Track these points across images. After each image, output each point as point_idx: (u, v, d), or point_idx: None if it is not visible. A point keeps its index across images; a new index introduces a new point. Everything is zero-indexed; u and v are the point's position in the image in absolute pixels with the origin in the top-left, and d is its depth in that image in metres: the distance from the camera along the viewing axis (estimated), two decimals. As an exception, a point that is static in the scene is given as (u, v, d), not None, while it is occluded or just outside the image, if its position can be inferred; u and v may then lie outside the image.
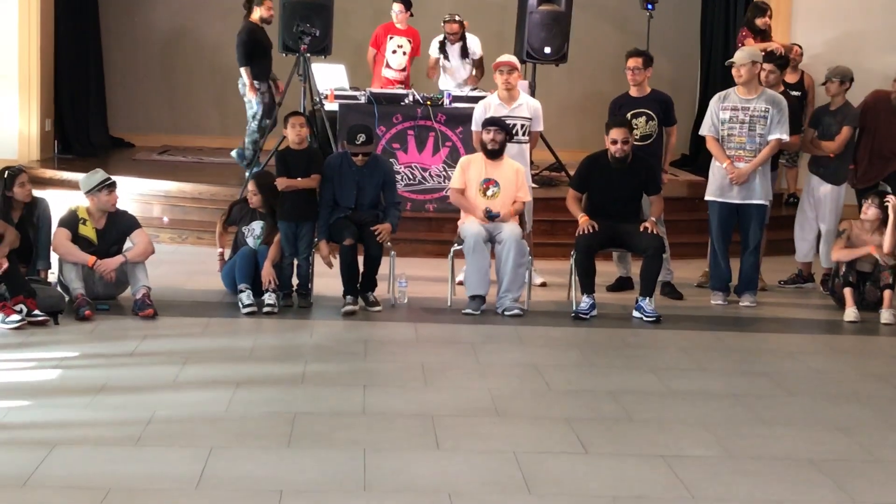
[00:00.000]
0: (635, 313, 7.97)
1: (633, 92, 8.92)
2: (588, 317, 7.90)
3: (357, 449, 5.14)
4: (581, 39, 12.34)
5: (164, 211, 10.76)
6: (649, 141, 8.82)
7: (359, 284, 7.93)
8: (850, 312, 8.21)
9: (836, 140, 8.97)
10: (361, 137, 7.95)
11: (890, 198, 8.45)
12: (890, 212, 8.38)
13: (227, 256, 8.27)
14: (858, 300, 8.32)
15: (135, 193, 10.70)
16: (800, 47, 11.61)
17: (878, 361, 7.25)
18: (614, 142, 8.14)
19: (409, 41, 11.65)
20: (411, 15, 11.63)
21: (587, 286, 8.01)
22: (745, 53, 8.48)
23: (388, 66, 11.58)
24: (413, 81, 11.52)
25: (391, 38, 11.60)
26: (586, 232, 8.05)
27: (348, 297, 7.88)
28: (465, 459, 5.08)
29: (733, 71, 8.38)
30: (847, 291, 8.33)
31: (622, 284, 8.95)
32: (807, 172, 9.42)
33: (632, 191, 8.33)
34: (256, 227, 8.18)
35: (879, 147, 9.11)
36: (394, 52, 11.50)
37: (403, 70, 11.61)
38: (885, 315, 8.16)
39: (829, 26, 12.22)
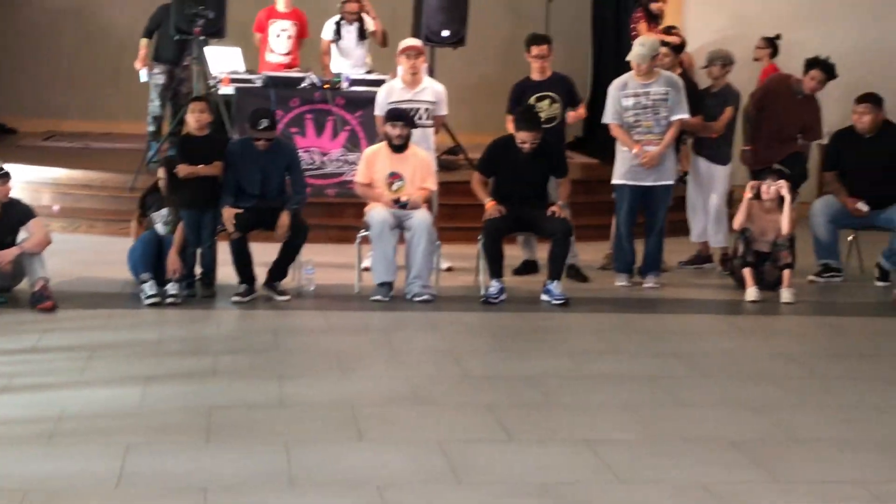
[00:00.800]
0: (543, 296, 7.98)
1: (536, 76, 8.92)
2: (497, 301, 7.88)
3: (279, 442, 5.03)
4: (477, 23, 12.29)
5: (55, 199, 10.44)
6: (554, 123, 8.84)
7: (269, 272, 7.78)
8: (751, 292, 8.33)
9: (720, 120, 9.11)
10: (264, 122, 7.78)
11: (781, 182, 8.59)
12: (784, 193, 8.53)
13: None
14: (758, 280, 8.46)
15: (22, 181, 10.25)
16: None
17: (784, 340, 7.38)
18: (523, 142, 8.09)
19: (294, 24, 11.47)
20: None
21: (495, 270, 7.99)
22: (648, 49, 8.47)
23: (271, 50, 11.38)
24: (309, 64, 11.32)
25: (273, 22, 11.40)
26: (494, 216, 8.02)
27: (242, 285, 7.73)
28: (391, 450, 5.01)
29: (636, 67, 8.40)
30: (746, 271, 8.46)
31: (528, 268, 8.96)
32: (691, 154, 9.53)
33: (540, 175, 8.31)
34: (165, 211, 7.96)
35: (779, 129, 9.27)
36: (277, 36, 11.27)
37: (289, 54, 11.43)
38: (785, 294, 8.31)
39: (721, 10, 12.41)
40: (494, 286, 7.95)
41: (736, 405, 5.81)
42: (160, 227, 7.90)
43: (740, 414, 5.67)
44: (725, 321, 7.92)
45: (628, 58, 8.52)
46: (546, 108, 8.80)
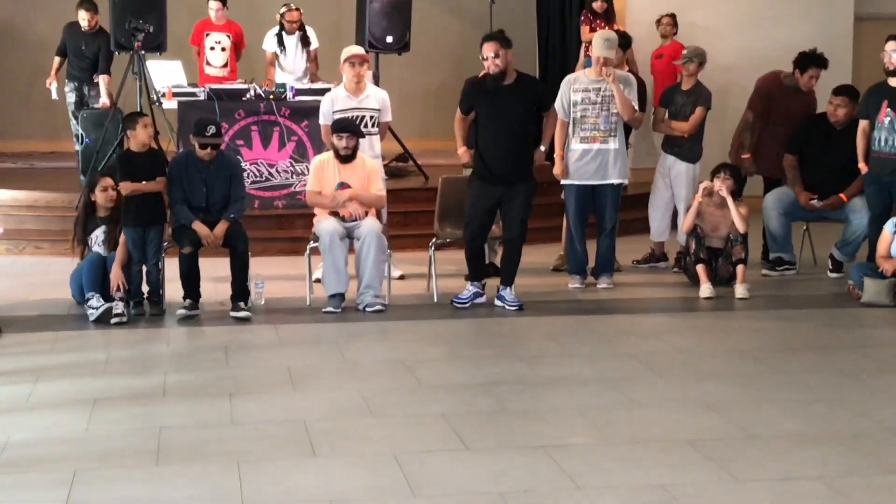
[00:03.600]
0: (497, 302, 7.91)
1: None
2: (464, 306, 7.81)
3: (230, 461, 4.92)
4: (421, 28, 12.24)
5: (-1, 221, 10.25)
6: None
7: (231, 296, 7.69)
8: (705, 289, 8.32)
9: (690, 120, 9.07)
10: (211, 129, 7.69)
11: (716, 181, 8.57)
12: (725, 194, 8.52)
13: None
14: (711, 276, 8.45)
15: (-35, 204, 10.17)
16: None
17: (739, 336, 7.35)
18: (485, 58, 7.82)
19: (229, 36, 11.43)
20: (227, 8, 11.40)
21: (476, 273, 7.97)
22: (609, 42, 8.41)
23: (209, 63, 11.34)
24: (252, 76, 11.20)
25: (208, 34, 11.36)
26: (465, 162, 8.13)
27: (187, 300, 7.61)
28: (344, 465, 4.92)
29: (597, 62, 8.33)
30: (700, 268, 8.44)
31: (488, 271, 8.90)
32: (649, 151, 9.51)
33: (523, 111, 7.92)
34: (99, 233, 7.82)
35: (783, 131, 9.26)
36: (212, 48, 11.27)
37: (226, 66, 11.37)
38: (739, 290, 8.31)
39: (661, 6, 12.45)
40: (468, 290, 7.92)
41: (692, 404, 5.77)
42: (97, 248, 7.75)
43: (697, 413, 5.62)
44: (680, 319, 7.89)
45: (594, 53, 8.41)
46: None
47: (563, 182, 8.56)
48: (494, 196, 7.89)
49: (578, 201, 8.51)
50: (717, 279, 8.49)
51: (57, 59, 11.38)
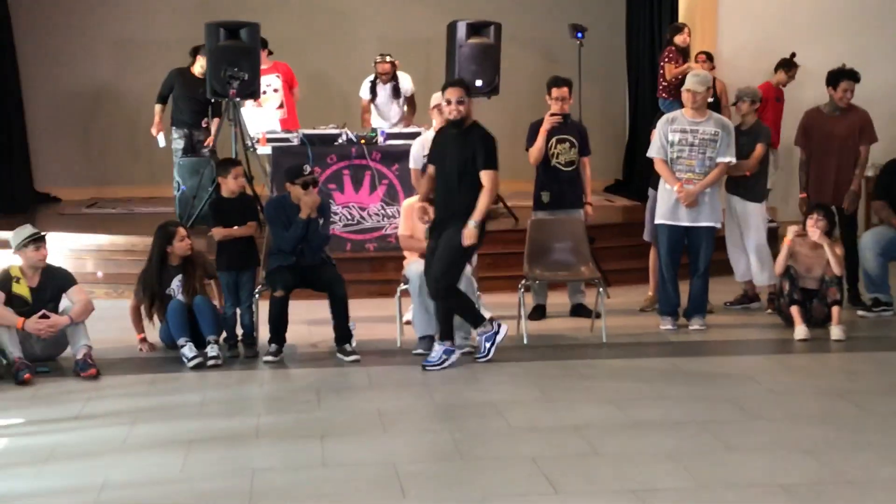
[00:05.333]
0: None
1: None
2: (442, 367, 7.39)
3: None
4: (510, 71, 12.31)
5: (98, 265, 10.48)
6: (573, 167, 8.84)
7: (335, 339, 7.74)
8: (800, 331, 8.20)
9: (752, 158, 8.99)
10: (307, 168, 7.83)
11: (815, 231, 8.46)
12: (817, 238, 8.42)
13: (149, 337, 8.03)
14: (806, 318, 8.32)
15: (66, 249, 10.42)
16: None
17: (835, 379, 7.22)
18: (448, 102, 7.41)
19: (278, 76, 11.57)
20: (270, 53, 11.55)
21: (445, 330, 7.51)
22: (701, 79, 8.42)
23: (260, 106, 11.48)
24: (343, 121, 11.32)
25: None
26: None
27: (272, 345, 7.69)
28: (434, 507, 4.94)
29: (687, 96, 8.33)
30: (794, 309, 8.33)
31: (539, 313, 8.98)
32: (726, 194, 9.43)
33: (463, 160, 7.42)
34: (176, 282, 7.93)
35: (831, 159, 9.20)
36: (263, 92, 11.32)
37: (281, 107, 11.51)
38: (835, 332, 8.17)
39: (754, 27, 12.38)
40: (437, 350, 7.48)
41: (785, 448, 5.68)
42: (181, 297, 7.87)
43: (790, 457, 5.53)
44: (774, 361, 7.78)
45: (685, 87, 8.40)
46: (565, 152, 8.80)
47: (656, 222, 8.53)
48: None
49: (671, 242, 8.46)
50: (812, 321, 8.36)
51: (159, 107, 11.49)
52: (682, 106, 8.53)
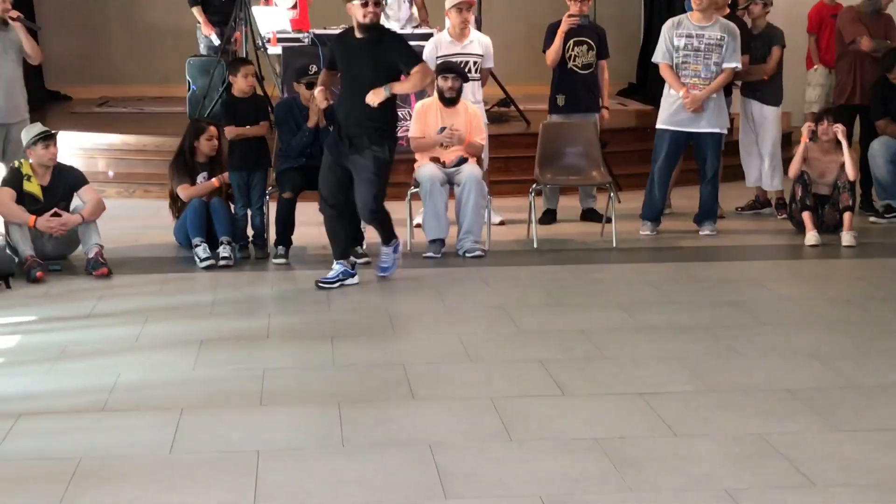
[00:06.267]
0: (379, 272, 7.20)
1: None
2: (336, 286, 7.01)
3: (331, 403, 5.02)
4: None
5: (109, 165, 10.51)
6: (590, 70, 8.76)
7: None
8: (811, 236, 8.19)
9: (769, 62, 8.93)
10: (313, 68, 7.80)
11: (838, 126, 8.41)
12: (841, 138, 8.36)
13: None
14: (818, 223, 8.31)
15: (77, 148, 10.43)
16: None
17: (844, 285, 7.24)
18: (365, 3, 6.75)
19: None
20: None
21: (340, 250, 7.13)
22: None
23: (275, 6, 11.29)
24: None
25: None
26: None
27: (279, 247, 7.69)
28: (442, 408, 4.98)
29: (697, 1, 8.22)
30: (806, 215, 8.31)
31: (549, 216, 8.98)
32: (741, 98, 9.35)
33: (376, 70, 6.85)
34: (201, 179, 7.95)
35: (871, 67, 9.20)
36: None
37: (294, 7, 11.35)
38: (846, 237, 8.16)
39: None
40: (335, 269, 7.08)
41: (792, 353, 5.71)
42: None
43: (797, 362, 5.57)
44: (784, 267, 7.80)
45: None
46: (583, 55, 8.73)
47: (658, 127, 8.47)
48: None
49: (670, 146, 8.41)
50: (824, 227, 8.34)
51: (197, 9, 11.34)
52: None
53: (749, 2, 9.05)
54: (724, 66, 8.24)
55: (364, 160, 6.89)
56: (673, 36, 8.30)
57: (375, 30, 6.87)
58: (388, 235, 7.18)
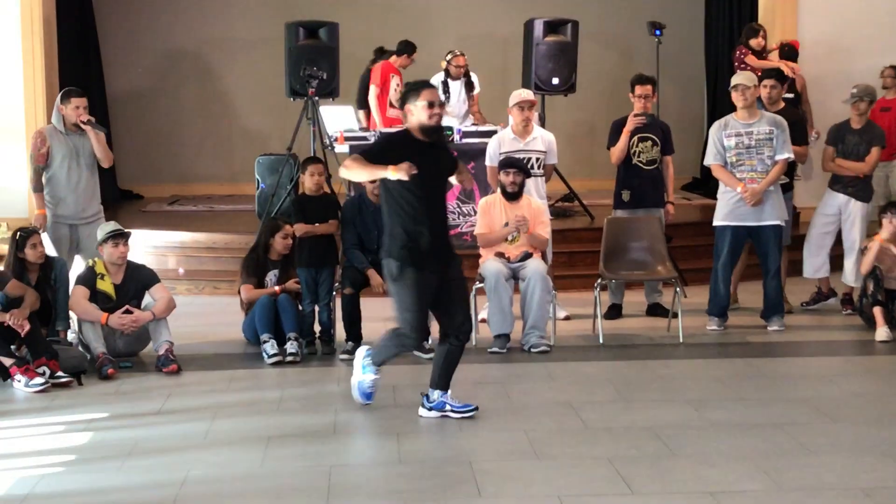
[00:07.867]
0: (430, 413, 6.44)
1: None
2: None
3: (398, 500, 5.02)
4: (588, 68, 12.29)
5: (179, 262, 10.67)
6: (655, 166, 8.81)
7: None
8: (882, 332, 8.09)
9: (868, 161, 8.94)
10: None
11: (886, 220, 8.36)
12: None
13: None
14: (889, 319, 8.21)
15: (148, 246, 10.63)
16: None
17: (916, 381, 7.13)
18: (431, 104, 6.16)
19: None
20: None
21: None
22: (747, 77, 8.40)
23: (391, 105, 11.55)
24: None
25: (393, 76, 11.58)
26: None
27: (349, 342, 7.75)
28: (510, 506, 4.96)
29: (736, 94, 8.27)
30: (877, 310, 8.22)
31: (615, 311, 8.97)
32: (822, 190, 9.30)
33: (443, 176, 6.43)
34: (272, 276, 8.07)
35: None
36: (395, 89, 11.44)
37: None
38: (917, 333, 8.06)
39: (835, 21, 12.20)
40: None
41: (865, 451, 5.62)
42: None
43: (870, 460, 5.47)
44: (855, 363, 7.69)
45: (733, 84, 8.33)
46: (648, 150, 8.78)
47: (716, 224, 8.47)
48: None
49: (732, 242, 8.40)
50: (894, 322, 8.24)
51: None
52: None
53: (860, 98, 8.97)
54: (777, 157, 8.25)
55: (459, 282, 6.32)
56: (722, 137, 8.34)
57: (437, 132, 6.35)
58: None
